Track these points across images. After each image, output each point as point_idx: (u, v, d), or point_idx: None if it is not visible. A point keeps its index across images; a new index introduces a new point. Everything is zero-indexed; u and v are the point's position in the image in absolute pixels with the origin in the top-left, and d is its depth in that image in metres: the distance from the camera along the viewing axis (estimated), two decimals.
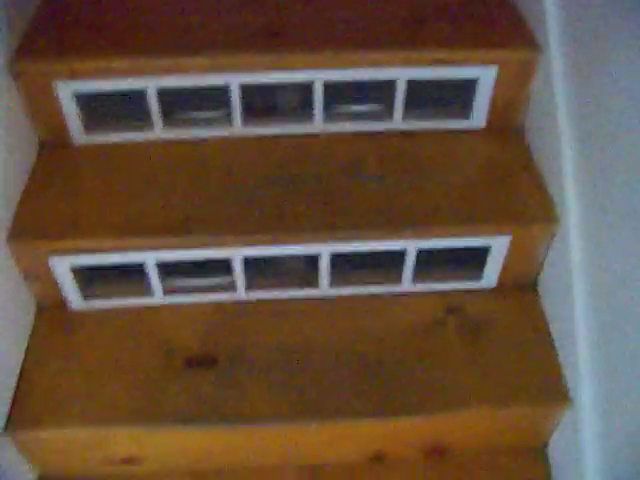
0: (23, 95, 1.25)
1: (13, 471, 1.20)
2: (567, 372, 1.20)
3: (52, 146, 1.33)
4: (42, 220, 1.21)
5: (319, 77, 1.24)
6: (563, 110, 1.18)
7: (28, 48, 1.25)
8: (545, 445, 1.29)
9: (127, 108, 1.30)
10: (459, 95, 1.31)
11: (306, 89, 1.27)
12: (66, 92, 1.25)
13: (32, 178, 1.27)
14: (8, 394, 1.17)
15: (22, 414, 1.16)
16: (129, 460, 1.24)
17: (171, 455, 1.25)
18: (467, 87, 1.29)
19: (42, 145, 1.33)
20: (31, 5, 1.33)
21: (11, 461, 1.18)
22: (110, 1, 1.36)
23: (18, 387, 1.19)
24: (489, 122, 1.35)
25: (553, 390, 1.19)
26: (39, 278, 1.24)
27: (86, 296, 1.27)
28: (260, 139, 1.33)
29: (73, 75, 1.23)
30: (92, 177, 1.28)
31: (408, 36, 1.27)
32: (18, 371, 1.20)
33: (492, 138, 1.34)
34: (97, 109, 1.31)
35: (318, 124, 1.32)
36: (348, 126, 1.33)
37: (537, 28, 1.27)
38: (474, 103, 1.31)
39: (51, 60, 1.23)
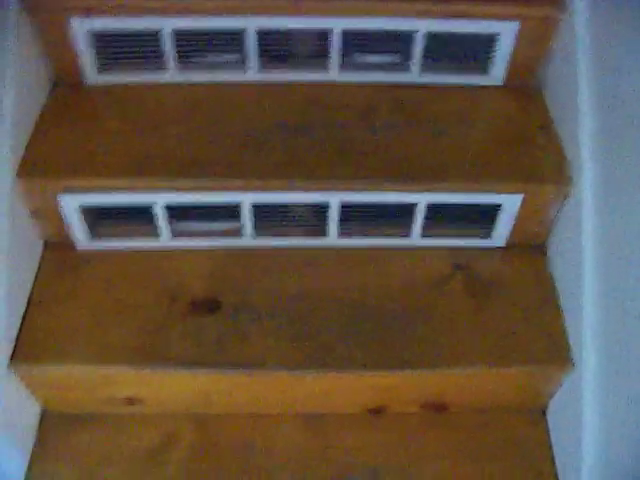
0: (37, 31, 1.24)
1: (18, 405, 1.22)
2: (571, 335, 1.19)
3: (65, 85, 1.32)
4: (52, 158, 1.20)
5: (337, 25, 1.22)
6: (583, 71, 1.16)
7: None
8: (545, 407, 1.30)
9: (142, 49, 1.27)
10: (478, 50, 1.28)
11: (324, 37, 1.25)
12: (81, 29, 1.23)
13: (43, 116, 1.26)
14: (13, 330, 1.18)
15: (26, 350, 1.17)
16: (130, 400, 1.25)
17: (172, 398, 1.26)
18: (487, 42, 1.27)
19: (55, 83, 1.32)
20: None
21: (16, 396, 1.20)
22: None
23: (23, 323, 1.19)
24: (508, 79, 1.32)
25: (556, 352, 1.19)
26: (47, 216, 1.24)
27: (93, 236, 1.27)
28: (275, 85, 1.31)
29: (88, 12, 1.21)
30: (104, 117, 1.27)
31: None
32: (24, 308, 1.21)
33: (510, 95, 1.32)
34: (111, 49, 1.29)
35: (334, 73, 1.30)
36: (364, 76, 1.31)
37: None
38: (493, 59, 1.29)
39: None
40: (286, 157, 1.20)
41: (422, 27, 1.23)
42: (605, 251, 1.09)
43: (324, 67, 1.30)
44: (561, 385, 1.23)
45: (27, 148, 1.20)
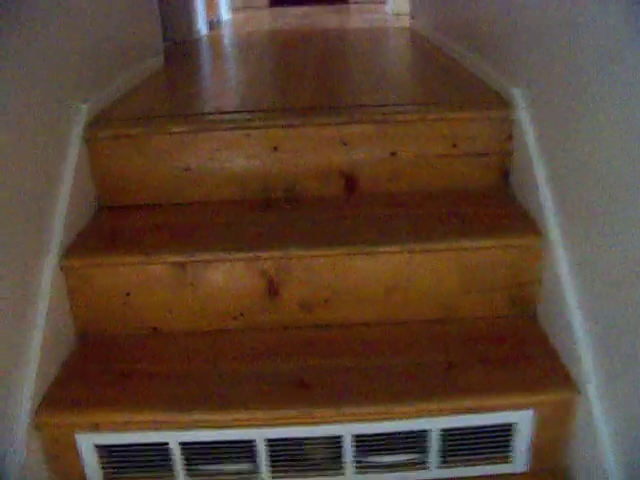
0: (42, 445, 1.22)
1: None
2: None
3: None
4: None
5: (349, 430, 1.20)
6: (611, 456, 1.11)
7: (52, 399, 1.24)
8: None
9: (149, 460, 1.24)
10: (497, 439, 1.24)
11: (336, 441, 1.22)
12: (87, 444, 1.22)
13: None
14: None
15: None
16: None
17: None
18: (504, 431, 1.23)
19: None
20: (62, 355, 1.35)
21: None
22: (141, 350, 1.37)
23: None
24: (532, 464, 1.26)
25: None
26: None
27: None
28: None
29: (96, 428, 1.20)
30: None
31: (440, 384, 1.23)
32: None
33: None
34: (118, 461, 1.26)
35: (349, 477, 1.24)
36: (380, 477, 1.25)
37: (572, 366, 1.23)
38: (513, 447, 1.24)
39: (74, 413, 1.21)
40: None
41: (436, 425, 1.20)
42: None
43: (338, 471, 1.24)
44: None
45: None
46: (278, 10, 5.45)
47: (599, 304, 1.16)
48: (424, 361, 1.29)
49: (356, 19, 4.29)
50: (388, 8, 4.70)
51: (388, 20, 4.10)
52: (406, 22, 3.72)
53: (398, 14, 4.37)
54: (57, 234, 1.37)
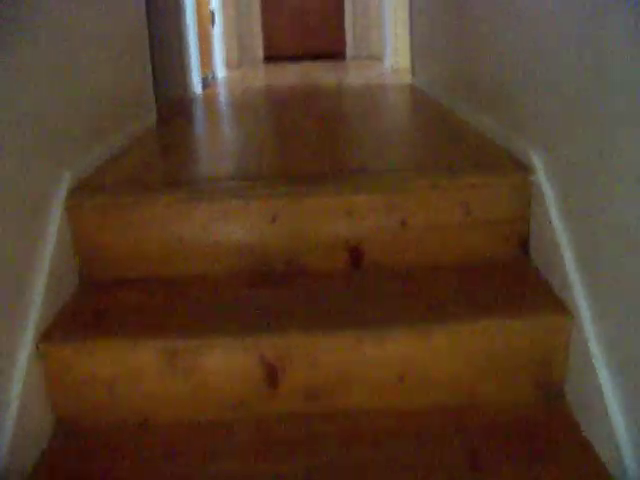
0: None
1: None
2: None
3: None
4: None
5: None
6: None
7: None
8: None
9: None
10: None
11: None
12: None
13: None
14: None
15: None
16: None
17: None
18: None
19: None
20: (37, 449, 1.19)
21: None
22: (125, 446, 1.21)
23: None
24: None
25: None
26: None
27: None
28: None
29: None
30: None
31: None
32: None
33: None
34: None
35: None
36: None
37: (610, 462, 1.08)
38: None
39: None
40: None
41: None
42: None
43: None
44: None
45: None
46: (274, 66, 5.42)
47: (637, 390, 1.02)
48: (445, 457, 1.14)
49: (354, 75, 4.24)
50: (387, 64, 4.66)
51: (387, 76, 4.05)
52: (405, 78, 3.66)
53: (397, 70, 4.32)
54: (34, 314, 1.23)
